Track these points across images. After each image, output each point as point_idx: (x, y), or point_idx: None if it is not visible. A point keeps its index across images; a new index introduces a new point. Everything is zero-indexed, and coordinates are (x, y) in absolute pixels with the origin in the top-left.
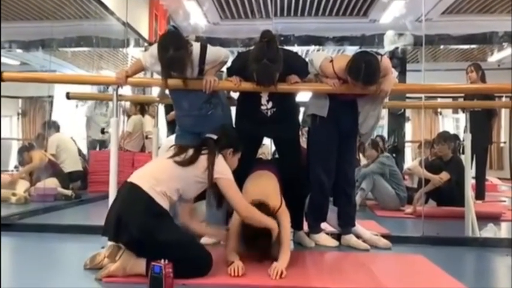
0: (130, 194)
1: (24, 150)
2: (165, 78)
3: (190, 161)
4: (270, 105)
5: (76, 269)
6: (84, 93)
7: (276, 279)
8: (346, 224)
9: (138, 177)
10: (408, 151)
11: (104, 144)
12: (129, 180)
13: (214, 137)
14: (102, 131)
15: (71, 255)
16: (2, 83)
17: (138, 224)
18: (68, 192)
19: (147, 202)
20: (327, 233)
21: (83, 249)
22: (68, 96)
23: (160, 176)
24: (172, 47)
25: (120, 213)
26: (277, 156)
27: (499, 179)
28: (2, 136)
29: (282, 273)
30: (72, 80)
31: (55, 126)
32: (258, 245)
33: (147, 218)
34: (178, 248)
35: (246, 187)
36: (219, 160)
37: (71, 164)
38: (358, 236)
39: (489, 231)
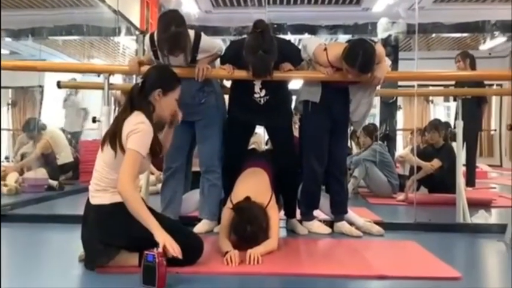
0: (85, 214)
1: (41, 129)
2: (167, 59)
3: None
4: (263, 93)
5: (69, 259)
6: (75, 82)
7: (251, 264)
8: (338, 211)
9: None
10: (400, 139)
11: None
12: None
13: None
14: (94, 120)
15: (64, 245)
16: None
17: (106, 234)
18: (54, 183)
19: (97, 212)
20: (320, 221)
21: (76, 238)
22: (59, 85)
23: (96, 174)
24: (174, 24)
25: (88, 237)
26: (270, 145)
27: (489, 166)
28: None
29: (258, 259)
30: (80, 68)
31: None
32: (247, 237)
33: (108, 226)
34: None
35: (237, 186)
36: (130, 120)
37: (65, 156)
38: (351, 223)
39: (480, 218)
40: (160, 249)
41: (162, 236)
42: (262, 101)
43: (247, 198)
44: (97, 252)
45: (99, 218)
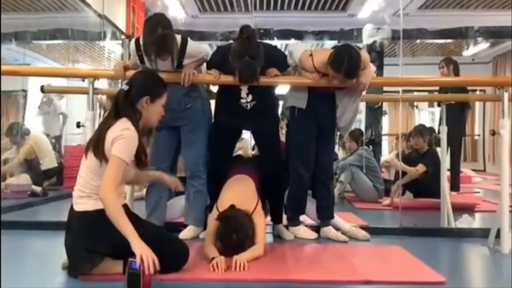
0: (69, 220)
1: (24, 134)
2: (155, 66)
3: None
4: (249, 98)
5: (52, 266)
6: (59, 86)
7: (237, 270)
8: (325, 216)
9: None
10: (385, 144)
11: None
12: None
13: (127, 88)
14: (78, 125)
15: (47, 252)
16: None
17: (91, 241)
18: (38, 189)
19: (81, 219)
20: (306, 226)
21: (60, 245)
22: (43, 89)
23: (80, 180)
24: (161, 26)
25: (71, 244)
26: (256, 151)
27: (473, 170)
28: None
29: (244, 265)
30: (64, 73)
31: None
32: (233, 245)
33: (91, 233)
34: (149, 242)
35: (223, 193)
36: (116, 126)
37: (49, 161)
38: (337, 228)
39: (464, 222)
40: (137, 260)
41: (139, 247)
42: (249, 106)
43: (232, 207)
44: (80, 259)
45: (83, 224)
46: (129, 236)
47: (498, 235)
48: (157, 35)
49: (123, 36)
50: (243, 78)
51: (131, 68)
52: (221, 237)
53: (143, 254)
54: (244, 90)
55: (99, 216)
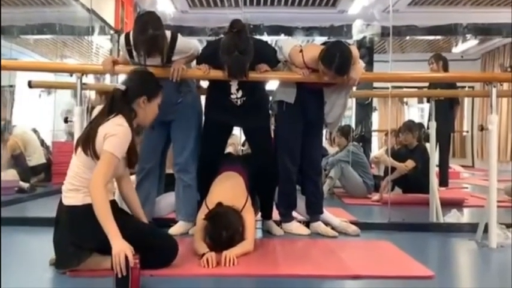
0: (57, 215)
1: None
2: (139, 64)
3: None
4: (240, 94)
5: (41, 262)
6: (46, 81)
7: (227, 266)
8: (314, 211)
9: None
10: (375, 140)
11: None
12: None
13: (123, 87)
14: (66, 120)
15: (35, 248)
16: None
17: (79, 237)
18: (25, 185)
19: (69, 213)
20: (299, 221)
21: (48, 241)
22: (30, 84)
23: (70, 173)
24: (152, 26)
25: (59, 239)
26: (247, 147)
27: (462, 166)
28: None
29: (233, 260)
30: (51, 68)
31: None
32: (223, 243)
33: (79, 228)
34: (138, 238)
35: (212, 189)
36: (110, 122)
37: (37, 157)
38: (327, 223)
39: (452, 217)
40: (114, 260)
41: (118, 247)
42: (239, 102)
43: (220, 204)
44: (67, 254)
45: (71, 219)
46: (109, 233)
47: (486, 230)
48: (148, 36)
49: (112, 31)
50: (231, 73)
51: (120, 62)
52: (210, 236)
53: (117, 253)
54: (234, 86)
55: (88, 211)
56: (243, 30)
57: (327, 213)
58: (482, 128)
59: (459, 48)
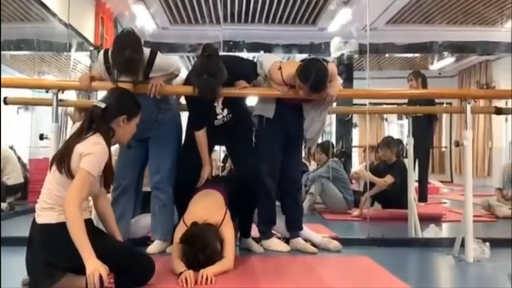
0: (31, 234)
1: None
2: (115, 80)
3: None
4: (225, 112)
5: (13, 284)
6: (22, 98)
7: (203, 284)
8: (293, 227)
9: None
10: (355, 156)
11: None
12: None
13: (103, 105)
14: (41, 137)
15: (8, 268)
16: None
17: (54, 257)
18: (4, 205)
19: (43, 232)
20: (279, 238)
21: (21, 261)
22: (6, 101)
23: (44, 190)
24: (130, 49)
25: (32, 259)
26: (228, 163)
27: (441, 182)
28: None
29: (211, 279)
30: (28, 84)
31: None
32: (200, 261)
33: (53, 247)
34: (113, 257)
35: (191, 206)
36: (88, 140)
37: (15, 176)
38: (307, 240)
39: (431, 232)
40: (88, 280)
41: (92, 266)
42: (226, 119)
43: (194, 224)
44: (40, 274)
45: (45, 238)
46: (83, 252)
47: (463, 244)
48: (125, 58)
49: (91, 47)
50: (201, 94)
51: (97, 78)
52: (188, 258)
53: (91, 273)
54: (218, 106)
55: (62, 230)
56: (215, 53)
57: (308, 230)
58: (458, 144)
59: (436, 65)
